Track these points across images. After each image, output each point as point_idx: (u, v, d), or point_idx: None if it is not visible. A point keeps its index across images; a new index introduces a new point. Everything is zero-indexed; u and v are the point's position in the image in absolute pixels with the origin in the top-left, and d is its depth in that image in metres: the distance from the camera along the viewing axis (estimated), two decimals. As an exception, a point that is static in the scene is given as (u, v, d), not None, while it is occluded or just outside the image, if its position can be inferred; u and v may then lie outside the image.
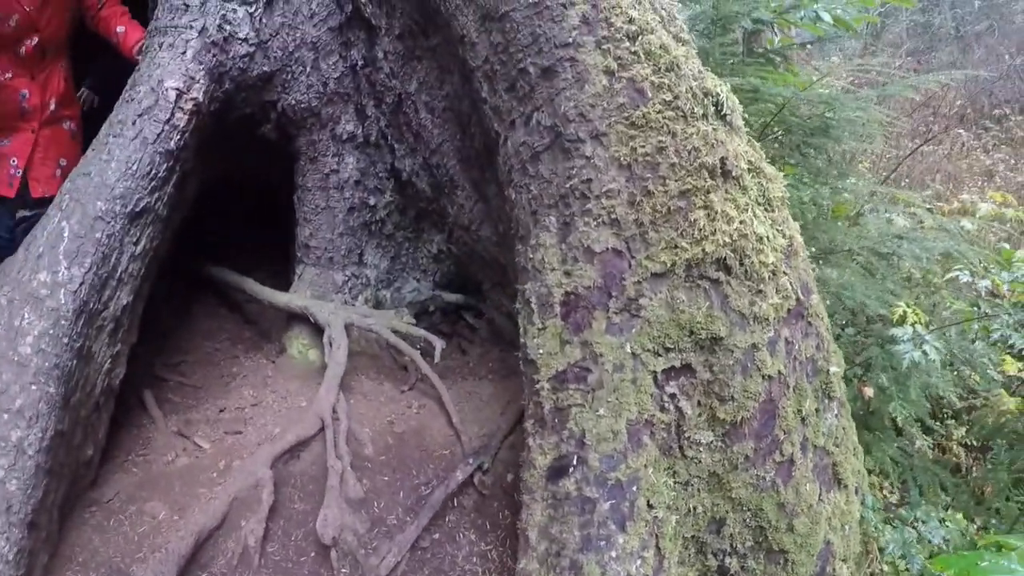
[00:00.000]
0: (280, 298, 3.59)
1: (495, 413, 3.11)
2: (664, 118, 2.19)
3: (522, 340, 2.35)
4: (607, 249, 2.18)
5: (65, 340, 2.40)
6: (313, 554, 2.42)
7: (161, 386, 3.37)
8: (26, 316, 2.39)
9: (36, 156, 3.10)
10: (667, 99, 2.21)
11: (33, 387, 2.30)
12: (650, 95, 2.21)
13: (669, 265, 2.15)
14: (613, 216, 2.19)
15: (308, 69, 3.33)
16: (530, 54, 2.38)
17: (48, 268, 2.47)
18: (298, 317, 3.54)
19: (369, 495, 2.62)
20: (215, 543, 2.39)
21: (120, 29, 3.21)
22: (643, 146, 2.18)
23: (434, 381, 3.17)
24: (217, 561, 2.35)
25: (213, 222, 4.11)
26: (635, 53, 2.23)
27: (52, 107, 3.15)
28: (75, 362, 2.44)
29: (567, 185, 2.27)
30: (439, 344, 3.29)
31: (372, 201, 3.67)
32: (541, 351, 2.24)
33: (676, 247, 2.15)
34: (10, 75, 3.01)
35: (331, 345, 3.21)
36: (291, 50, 3.26)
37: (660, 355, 2.16)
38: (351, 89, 3.47)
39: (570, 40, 2.28)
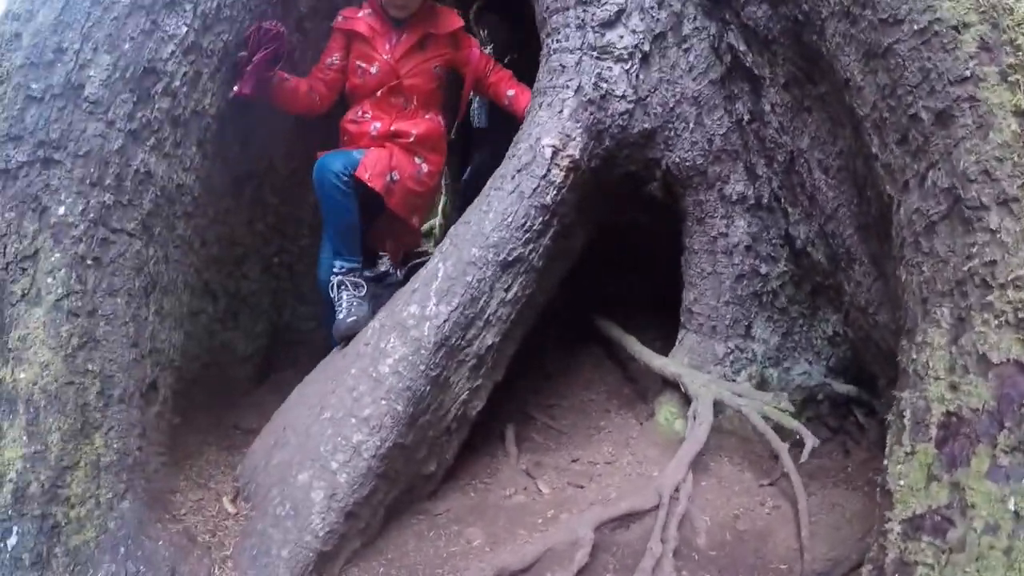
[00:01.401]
0: (655, 361, 3.48)
1: (853, 535, 2.54)
2: (1088, 179, 1.59)
3: (885, 462, 1.93)
4: (1007, 360, 1.66)
5: (421, 367, 2.67)
6: (602, 627, 2.25)
7: (528, 423, 3.52)
8: (391, 341, 2.73)
9: (375, 155, 3.15)
10: (1091, 152, 1.60)
11: (383, 402, 2.62)
12: (1072, 145, 1.63)
13: (1080, 393, 1.53)
14: (1020, 315, 1.64)
15: (691, 125, 3.20)
16: (920, 95, 1.94)
17: (419, 302, 2.78)
18: (670, 383, 3.39)
19: (683, 589, 2.35)
20: (512, 585, 2.37)
21: (510, 93, 3.42)
22: (1062, 218, 1.61)
23: (794, 482, 2.73)
24: (507, 602, 2.33)
25: (609, 275, 4.22)
26: (1049, 85, 1.68)
27: (406, 139, 3.26)
28: (428, 388, 2.69)
29: (965, 268, 1.79)
30: (810, 442, 2.82)
31: (764, 269, 3.33)
32: (901, 482, 1.81)
33: (1093, 367, 1.51)
34: (369, 115, 3.32)
35: (695, 419, 3.00)
36: (671, 106, 3.17)
37: (1048, 521, 1.54)
38: (739, 146, 3.23)
39: (967, 73, 1.81)
